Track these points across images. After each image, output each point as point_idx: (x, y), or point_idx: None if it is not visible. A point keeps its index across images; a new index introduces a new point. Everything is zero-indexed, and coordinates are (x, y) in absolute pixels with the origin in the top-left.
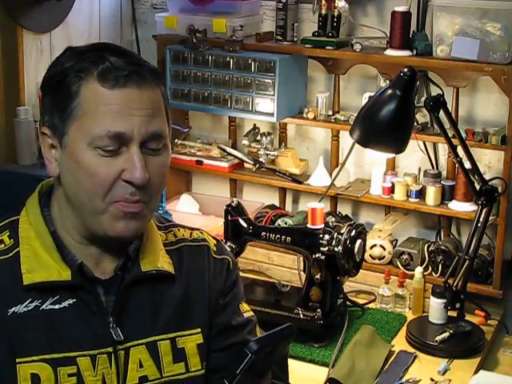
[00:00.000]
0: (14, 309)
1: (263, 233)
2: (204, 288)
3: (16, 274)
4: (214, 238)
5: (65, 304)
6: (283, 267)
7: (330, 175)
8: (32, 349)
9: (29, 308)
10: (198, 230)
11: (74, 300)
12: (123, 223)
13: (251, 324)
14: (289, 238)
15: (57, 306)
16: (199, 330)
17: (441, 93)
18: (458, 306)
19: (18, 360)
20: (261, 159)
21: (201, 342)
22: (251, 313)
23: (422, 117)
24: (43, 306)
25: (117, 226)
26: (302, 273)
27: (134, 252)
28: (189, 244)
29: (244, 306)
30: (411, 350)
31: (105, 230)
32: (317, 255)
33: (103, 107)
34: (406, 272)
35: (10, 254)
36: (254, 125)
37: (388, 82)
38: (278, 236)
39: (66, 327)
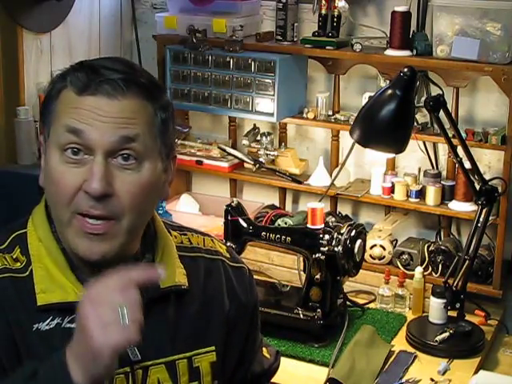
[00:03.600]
0: (37, 325)
1: (263, 233)
2: (221, 305)
3: (33, 293)
4: (223, 243)
5: None
6: (283, 267)
7: (330, 175)
8: None
9: (51, 326)
10: (208, 236)
11: None
12: (87, 243)
13: (262, 342)
14: (289, 238)
15: (74, 325)
16: (213, 347)
17: (441, 93)
18: (458, 305)
19: None
20: (261, 159)
21: (214, 361)
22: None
23: (422, 117)
24: (63, 324)
25: (81, 245)
26: (301, 273)
27: None
28: (204, 256)
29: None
30: (411, 350)
31: (72, 246)
32: (317, 255)
33: (70, 110)
34: (406, 272)
35: (27, 273)
36: (254, 125)
37: (388, 81)
38: (278, 236)
39: None
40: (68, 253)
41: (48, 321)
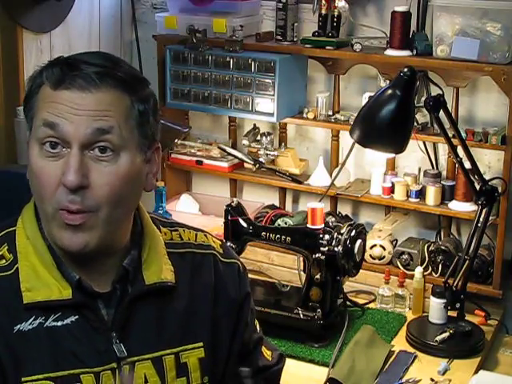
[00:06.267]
0: (18, 326)
1: (263, 233)
2: (209, 301)
3: (18, 291)
4: (218, 239)
5: (67, 321)
6: (283, 267)
7: (330, 175)
8: (37, 367)
9: (33, 325)
10: (201, 231)
11: (77, 317)
12: (68, 234)
13: (261, 341)
14: (289, 238)
15: (59, 323)
16: (201, 344)
17: (441, 93)
18: (458, 306)
19: (23, 379)
20: (261, 159)
21: (202, 357)
22: (258, 325)
23: (422, 117)
24: (47, 323)
25: (63, 237)
26: (301, 273)
27: (131, 264)
28: (194, 251)
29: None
30: (411, 350)
31: (56, 239)
32: (317, 255)
33: (46, 104)
34: (406, 272)
35: (12, 270)
36: (254, 125)
37: (388, 82)
38: (278, 236)
39: (69, 344)
40: (54, 249)
41: (30, 320)
